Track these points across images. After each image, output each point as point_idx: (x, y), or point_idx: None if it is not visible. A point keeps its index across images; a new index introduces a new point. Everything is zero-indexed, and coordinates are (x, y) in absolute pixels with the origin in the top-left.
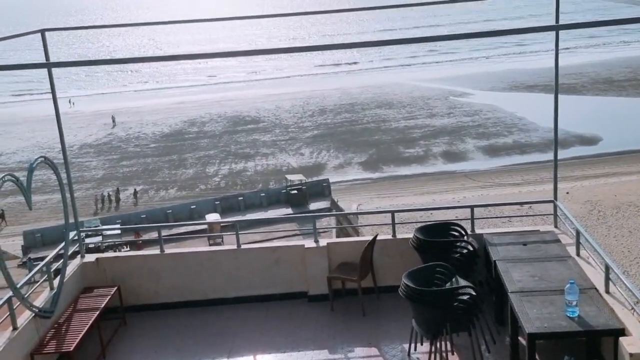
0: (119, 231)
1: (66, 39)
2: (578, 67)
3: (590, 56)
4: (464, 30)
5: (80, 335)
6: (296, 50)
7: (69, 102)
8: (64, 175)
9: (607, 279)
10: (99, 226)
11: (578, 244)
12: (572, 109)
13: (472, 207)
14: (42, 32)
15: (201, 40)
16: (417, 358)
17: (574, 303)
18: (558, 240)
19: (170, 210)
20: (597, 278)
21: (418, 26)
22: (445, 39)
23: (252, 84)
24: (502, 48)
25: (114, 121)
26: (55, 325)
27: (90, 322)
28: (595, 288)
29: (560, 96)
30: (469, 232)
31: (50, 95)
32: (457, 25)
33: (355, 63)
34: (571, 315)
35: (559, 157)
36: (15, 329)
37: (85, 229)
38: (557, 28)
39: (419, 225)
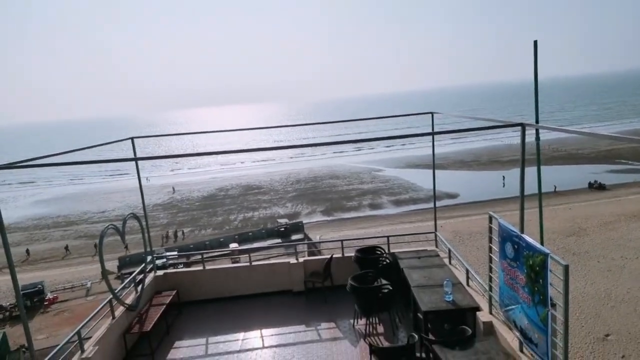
0: (176, 255)
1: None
2: (444, 154)
3: (451, 147)
4: (379, 135)
5: (154, 321)
6: (279, 148)
7: (146, 179)
8: (144, 223)
9: (467, 277)
10: (164, 253)
11: (450, 257)
12: (441, 177)
13: (388, 237)
14: (132, 139)
15: (223, 143)
16: (358, 328)
17: (449, 292)
18: (438, 255)
19: (208, 242)
20: (461, 276)
21: (356, 132)
22: (361, 142)
23: (255, 167)
24: (401, 144)
25: (173, 190)
26: (138, 315)
27: (160, 313)
28: (461, 283)
29: (436, 170)
30: (386, 251)
31: (136, 175)
32: (379, 133)
33: (317, 154)
34: (448, 300)
35: (437, 206)
36: (113, 318)
37: (156, 255)
38: (432, 134)
39: (357, 248)
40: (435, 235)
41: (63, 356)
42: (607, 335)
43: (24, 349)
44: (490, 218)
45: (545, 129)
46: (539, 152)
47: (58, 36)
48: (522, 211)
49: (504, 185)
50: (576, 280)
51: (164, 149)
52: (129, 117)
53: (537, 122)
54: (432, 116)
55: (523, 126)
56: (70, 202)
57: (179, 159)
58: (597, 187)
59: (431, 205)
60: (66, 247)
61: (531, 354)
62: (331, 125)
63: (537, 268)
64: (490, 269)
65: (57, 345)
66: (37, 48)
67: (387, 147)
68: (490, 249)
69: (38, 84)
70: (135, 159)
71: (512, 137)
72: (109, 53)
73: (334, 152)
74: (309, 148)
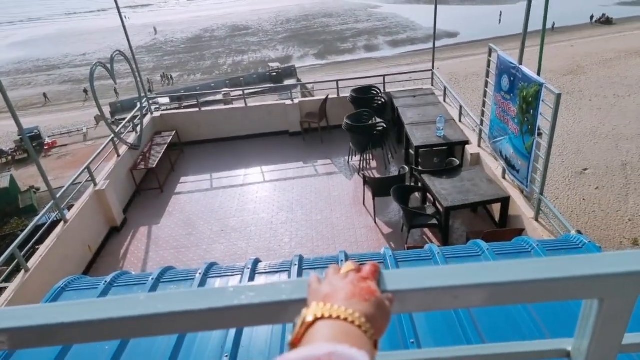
0: (168, 100)
1: None
2: None
3: None
4: None
5: (158, 158)
6: None
7: (125, 17)
8: (133, 64)
9: (460, 114)
10: (155, 97)
11: (445, 95)
12: (442, 14)
13: (384, 76)
14: None
15: None
16: (353, 164)
17: (441, 128)
18: (433, 94)
19: (199, 87)
20: (455, 114)
21: None
22: None
23: (241, 4)
24: None
25: (155, 31)
26: (142, 154)
27: (163, 151)
28: (454, 119)
29: (438, 6)
30: (382, 91)
31: (109, 14)
32: None
33: None
34: (439, 135)
35: (435, 46)
36: (118, 156)
37: (150, 96)
38: None
39: (353, 88)
40: (432, 74)
41: (77, 189)
42: (585, 169)
43: (34, 190)
44: (490, 51)
45: None
46: None
47: None
48: (524, 42)
49: (500, 22)
50: (565, 118)
51: None
52: None
53: None
54: None
55: None
56: (47, 45)
57: None
58: (603, 21)
59: (429, 46)
60: (85, 91)
61: (512, 180)
62: None
63: (530, 99)
64: (484, 103)
65: (63, 186)
66: None
67: None
68: (486, 83)
69: None
70: None
71: None
72: None
73: None
74: None
